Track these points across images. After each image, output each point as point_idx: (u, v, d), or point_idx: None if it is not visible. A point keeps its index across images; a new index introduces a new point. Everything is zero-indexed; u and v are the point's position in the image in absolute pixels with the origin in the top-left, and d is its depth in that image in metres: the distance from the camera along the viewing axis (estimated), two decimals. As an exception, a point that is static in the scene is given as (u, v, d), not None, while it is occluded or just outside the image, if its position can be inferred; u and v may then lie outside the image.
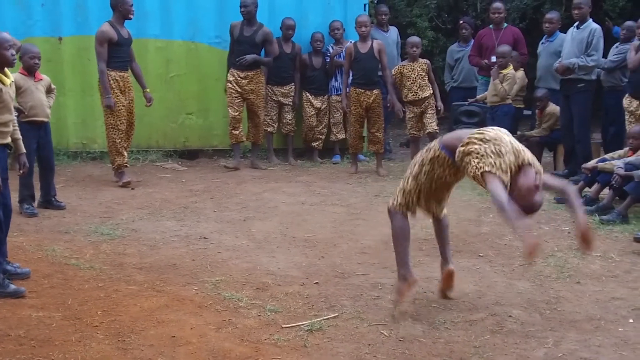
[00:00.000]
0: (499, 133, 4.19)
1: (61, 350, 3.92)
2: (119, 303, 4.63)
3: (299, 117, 9.98)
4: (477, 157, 4.06)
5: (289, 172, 9.16)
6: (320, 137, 9.99)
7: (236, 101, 9.13)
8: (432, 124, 8.78)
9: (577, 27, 8.44)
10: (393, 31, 10.45)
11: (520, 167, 4.09)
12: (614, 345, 4.11)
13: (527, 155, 4.17)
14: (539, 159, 9.23)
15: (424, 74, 8.80)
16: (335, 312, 4.55)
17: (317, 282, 5.11)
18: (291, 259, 5.65)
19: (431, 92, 8.82)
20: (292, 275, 5.26)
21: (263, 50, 9.19)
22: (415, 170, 4.50)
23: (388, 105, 9.02)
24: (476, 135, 4.16)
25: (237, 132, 9.24)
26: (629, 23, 8.72)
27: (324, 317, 4.46)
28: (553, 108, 8.96)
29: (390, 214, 4.62)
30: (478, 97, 9.44)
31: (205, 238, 6.17)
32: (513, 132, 9.00)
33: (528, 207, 4.03)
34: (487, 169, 4.00)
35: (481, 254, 5.76)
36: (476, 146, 4.10)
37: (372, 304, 4.73)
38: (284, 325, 4.33)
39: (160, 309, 4.55)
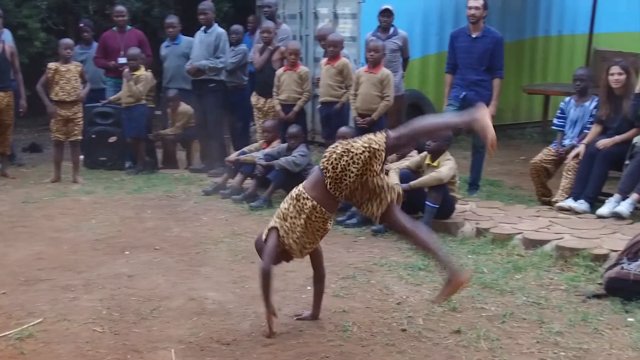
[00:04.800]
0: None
1: None
2: None
3: None
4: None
5: None
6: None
7: None
8: (77, 133, 8.69)
9: (205, 32, 9.05)
10: (7, 33, 10.03)
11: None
12: (302, 309, 4.69)
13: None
14: (174, 157, 9.71)
15: (77, 76, 8.66)
16: (38, 318, 4.48)
17: (4, 293, 4.92)
18: (-39, 273, 5.31)
19: (83, 96, 8.73)
20: (-28, 289, 4.98)
21: None
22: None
23: (20, 110, 8.77)
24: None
25: None
26: (235, 27, 9.45)
27: (29, 324, 4.37)
28: (185, 107, 9.43)
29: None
30: (111, 98, 9.52)
31: None
32: (148, 131, 9.37)
33: None
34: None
35: (157, 247, 6.01)
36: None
37: (72, 305, 4.73)
38: (-11, 339, 4.17)
39: None
